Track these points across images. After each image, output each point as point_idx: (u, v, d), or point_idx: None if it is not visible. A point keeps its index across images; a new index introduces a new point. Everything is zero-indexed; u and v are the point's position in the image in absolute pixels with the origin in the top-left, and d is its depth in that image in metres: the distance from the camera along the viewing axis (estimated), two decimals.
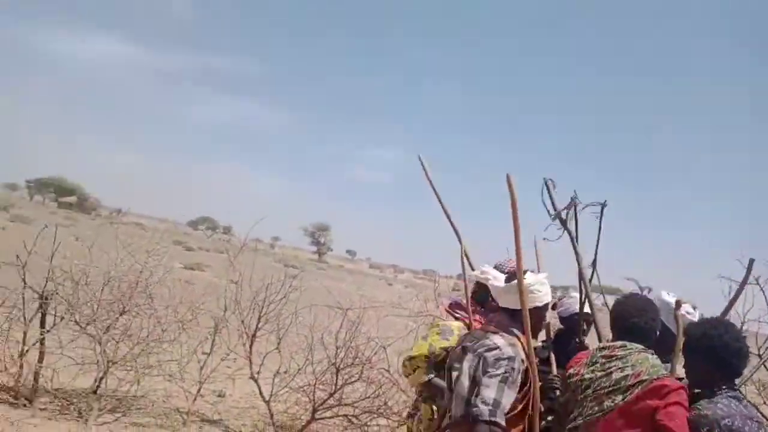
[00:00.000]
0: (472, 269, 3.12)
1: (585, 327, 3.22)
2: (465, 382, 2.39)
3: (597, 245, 3.08)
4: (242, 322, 5.68)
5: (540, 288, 2.56)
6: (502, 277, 2.64)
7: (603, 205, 2.99)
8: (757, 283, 4.55)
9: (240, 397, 6.28)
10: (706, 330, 2.40)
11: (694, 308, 2.92)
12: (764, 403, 4.78)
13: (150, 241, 6.61)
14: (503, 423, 2.25)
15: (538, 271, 3.17)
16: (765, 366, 4.25)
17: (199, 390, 5.52)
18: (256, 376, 5.52)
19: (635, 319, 2.49)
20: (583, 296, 3.09)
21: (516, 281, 2.49)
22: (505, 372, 2.30)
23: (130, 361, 5.31)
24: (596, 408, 2.30)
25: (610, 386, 2.31)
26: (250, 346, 5.63)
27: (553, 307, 3.22)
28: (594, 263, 3.12)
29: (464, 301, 3.10)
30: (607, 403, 2.28)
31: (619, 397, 2.27)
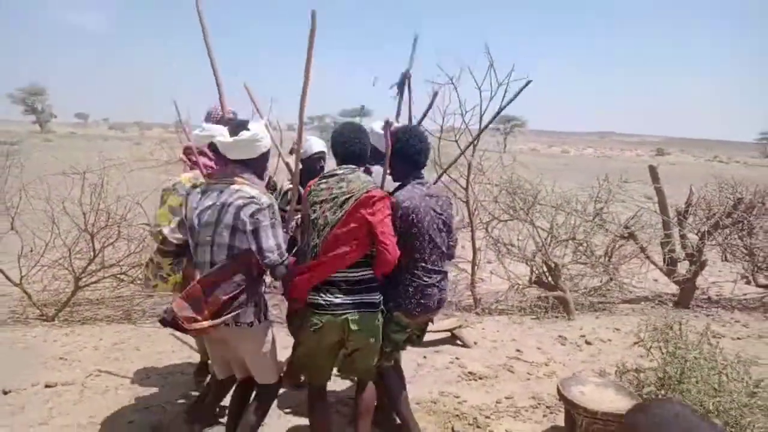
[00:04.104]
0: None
1: (323, 165, 3.67)
2: (227, 234, 2.61)
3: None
4: None
5: (264, 134, 2.78)
6: (225, 130, 2.75)
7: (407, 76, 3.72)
8: (452, 83, 5.63)
9: None
10: (398, 137, 2.96)
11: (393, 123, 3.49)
12: (461, 176, 6.13)
13: None
14: (287, 257, 2.70)
15: (256, 114, 3.32)
16: (459, 146, 5.52)
17: None
18: None
19: (348, 145, 2.87)
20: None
21: (244, 132, 2.68)
22: (271, 218, 2.65)
23: None
24: (325, 225, 2.71)
25: (332, 204, 2.72)
26: None
27: (291, 152, 3.39)
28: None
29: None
30: (332, 218, 2.71)
31: (340, 211, 2.70)
